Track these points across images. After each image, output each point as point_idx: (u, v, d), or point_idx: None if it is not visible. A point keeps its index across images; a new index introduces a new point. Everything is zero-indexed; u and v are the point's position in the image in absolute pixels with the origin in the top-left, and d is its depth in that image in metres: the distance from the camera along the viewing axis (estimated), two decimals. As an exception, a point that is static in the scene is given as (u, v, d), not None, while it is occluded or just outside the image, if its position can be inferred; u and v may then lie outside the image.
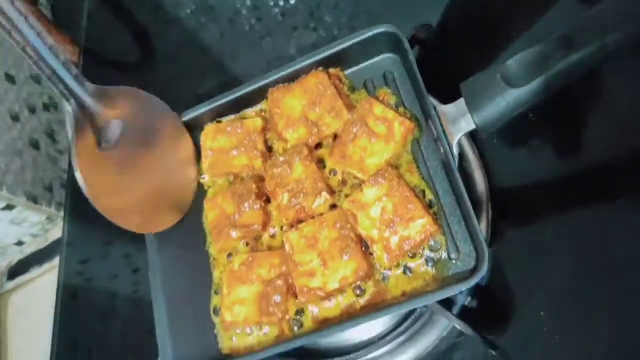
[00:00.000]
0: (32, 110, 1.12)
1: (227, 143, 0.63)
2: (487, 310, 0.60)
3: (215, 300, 0.60)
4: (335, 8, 0.84)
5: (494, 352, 0.55)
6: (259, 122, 0.63)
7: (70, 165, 0.96)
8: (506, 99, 0.48)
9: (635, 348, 0.54)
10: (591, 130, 0.64)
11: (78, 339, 0.81)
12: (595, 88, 0.65)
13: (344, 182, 0.59)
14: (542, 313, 0.58)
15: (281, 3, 0.87)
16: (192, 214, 0.65)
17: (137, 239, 0.81)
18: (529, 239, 0.62)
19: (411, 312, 0.60)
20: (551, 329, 0.57)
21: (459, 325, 0.53)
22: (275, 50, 0.85)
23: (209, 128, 0.65)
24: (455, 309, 0.59)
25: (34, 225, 1.10)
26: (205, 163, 0.64)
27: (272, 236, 0.61)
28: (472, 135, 0.66)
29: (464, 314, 0.59)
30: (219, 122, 0.66)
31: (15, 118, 1.06)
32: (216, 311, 0.60)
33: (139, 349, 0.75)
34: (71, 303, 0.83)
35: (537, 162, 0.65)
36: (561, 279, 0.59)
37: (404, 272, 0.54)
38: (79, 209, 0.89)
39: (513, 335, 0.58)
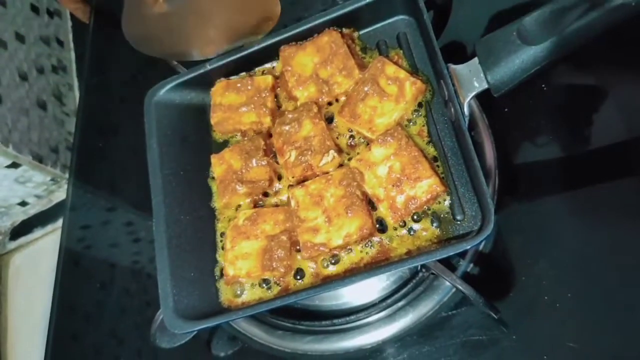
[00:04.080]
0: (40, 71, 1.11)
1: (236, 99, 0.63)
2: (489, 277, 0.60)
3: (218, 255, 0.60)
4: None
5: (495, 316, 0.55)
6: (269, 79, 0.63)
7: (76, 128, 0.95)
8: (521, 57, 0.47)
9: (636, 319, 0.54)
10: (607, 108, 0.63)
11: (77, 304, 0.82)
12: (615, 65, 0.65)
13: (352, 143, 0.59)
14: (544, 282, 0.58)
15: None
16: (199, 169, 0.65)
17: (140, 207, 0.82)
18: (533, 211, 0.62)
19: (413, 276, 0.60)
20: (551, 298, 0.57)
21: (461, 286, 0.53)
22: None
23: (219, 84, 0.65)
24: (458, 274, 0.58)
25: (39, 185, 1.10)
26: (214, 118, 0.64)
27: (278, 193, 0.60)
28: (482, 104, 0.65)
29: (466, 280, 0.59)
30: (229, 79, 0.65)
31: (23, 77, 1.06)
32: (219, 265, 0.60)
33: (138, 319, 0.76)
34: (72, 269, 0.84)
35: (546, 134, 0.64)
36: (563, 250, 0.59)
37: (409, 232, 0.54)
38: (83, 173, 0.89)
39: (513, 302, 0.57)
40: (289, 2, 0.85)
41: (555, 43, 0.46)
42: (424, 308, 0.60)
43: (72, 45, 1.22)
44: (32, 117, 1.05)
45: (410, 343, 0.60)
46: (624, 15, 0.44)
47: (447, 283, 0.57)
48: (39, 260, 1.12)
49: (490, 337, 0.57)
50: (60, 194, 1.11)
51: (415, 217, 0.54)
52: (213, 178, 0.64)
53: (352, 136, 0.59)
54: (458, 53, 0.67)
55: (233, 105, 0.63)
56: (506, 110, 0.65)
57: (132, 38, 0.61)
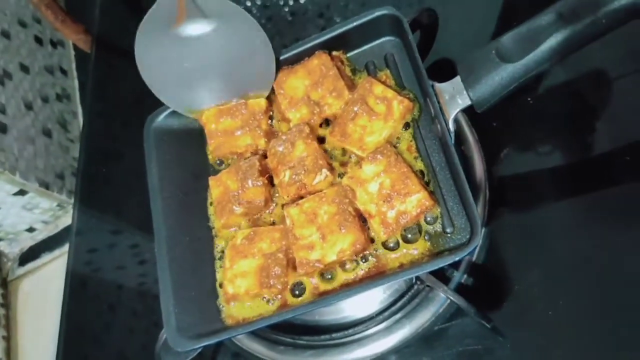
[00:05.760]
0: (45, 100, 1.15)
1: (231, 124, 0.65)
2: (482, 287, 0.61)
3: (218, 274, 0.62)
4: (344, 8, 0.86)
5: (487, 325, 0.56)
6: (262, 102, 0.65)
7: (80, 153, 0.97)
8: (500, 75, 0.49)
9: (628, 326, 0.55)
10: (591, 118, 0.65)
11: (85, 326, 0.83)
12: (597, 76, 0.66)
13: (343, 162, 0.61)
14: (537, 291, 0.59)
15: (291, 3, 0.89)
16: (198, 190, 0.66)
17: (144, 229, 0.83)
18: (525, 221, 0.63)
19: (409, 288, 0.62)
20: (545, 306, 0.58)
21: (453, 297, 0.54)
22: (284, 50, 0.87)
23: (209, 112, 0.66)
24: (452, 286, 0.60)
25: (45, 211, 1.13)
26: (211, 145, 0.66)
27: (273, 212, 0.62)
28: (471, 119, 0.67)
29: (460, 291, 0.60)
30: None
31: (28, 106, 1.09)
32: (219, 283, 0.61)
33: (146, 339, 0.77)
34: (79, 292, 0.85)
35: (534, 145, 0.66)
36: (556, 258, 0.60)
37: (401, 246, 0.56)
38: (88, 197, 0.91)
39: (507, 311, 0.59)
40: (287, 22, 0.88)
41: (532, 60, 0.48)
42: (421, 319, 0.61)
43: (75, 73, 1.26)
44: (38, 145, 1.08)
45: (408, 354, 0.61)
46: (597, 32, 0.46)
47: (442, 295, 0.58)
48: (47, 285, 1.13)
49: (486, 346, 0.58)
50: (67, 219, 1.13)
51: (406, 231, 0.56)
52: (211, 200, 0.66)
53: (343, 155, 0.61)
54: (446, 70, 0.69)
55: (228, 130, 0.65)
56: (494, 124, 0.67)
57: (144, 71, 0.64)
